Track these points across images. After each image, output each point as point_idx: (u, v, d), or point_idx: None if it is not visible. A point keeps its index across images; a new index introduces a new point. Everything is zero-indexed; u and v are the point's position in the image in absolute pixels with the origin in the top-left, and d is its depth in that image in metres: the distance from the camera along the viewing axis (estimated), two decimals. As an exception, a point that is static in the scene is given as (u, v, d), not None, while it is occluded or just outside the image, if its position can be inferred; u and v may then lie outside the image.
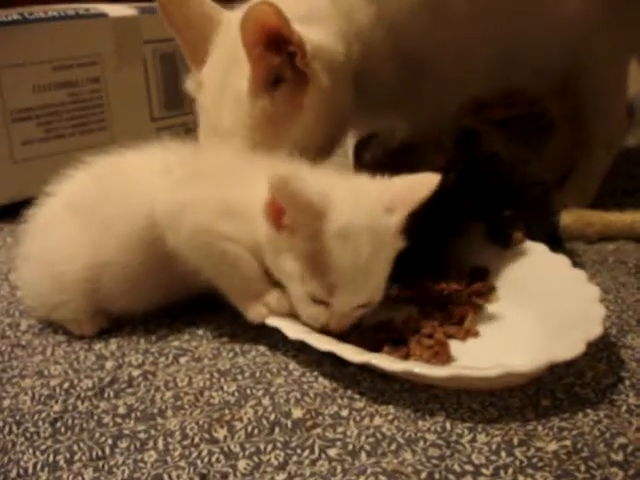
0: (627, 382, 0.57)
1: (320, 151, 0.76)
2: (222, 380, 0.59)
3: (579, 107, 0.95)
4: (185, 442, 0.52)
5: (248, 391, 0.57)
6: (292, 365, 0.60)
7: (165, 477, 0.48)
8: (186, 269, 0.62)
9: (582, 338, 0.55)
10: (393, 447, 0.50)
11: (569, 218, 0.85)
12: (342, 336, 0.60)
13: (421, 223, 0.61)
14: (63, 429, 0.54)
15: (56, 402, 0.57)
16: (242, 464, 0.49)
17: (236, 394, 0.57)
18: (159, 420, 0.54)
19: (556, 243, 0.74)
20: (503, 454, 0.49)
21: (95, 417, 0.55)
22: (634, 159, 1.13)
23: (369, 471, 0.48)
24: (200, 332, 0.66)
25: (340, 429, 0.52)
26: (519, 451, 0.49)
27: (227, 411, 0.55)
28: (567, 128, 1.04)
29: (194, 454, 0.50)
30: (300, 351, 0.61)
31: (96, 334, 0.66)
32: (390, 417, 0.53)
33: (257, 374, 0.59)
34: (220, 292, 0.63)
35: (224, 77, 0.73)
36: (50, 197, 0.67)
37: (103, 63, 1.06)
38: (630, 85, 0.97)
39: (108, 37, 1.06)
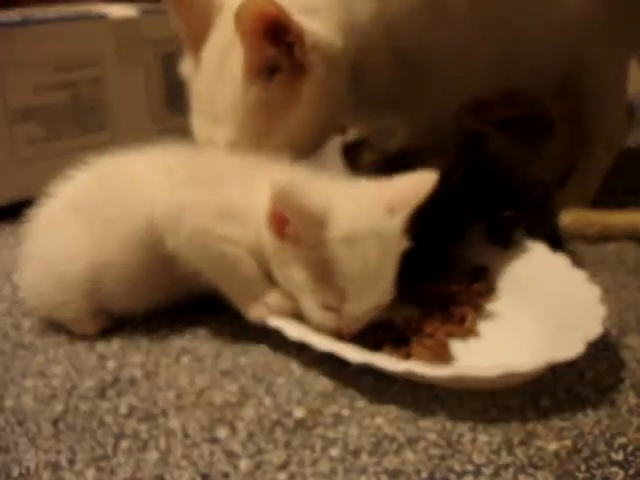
0: (627, 382, 0.57)
1: (313, 142, 0.77)
2: (223, 380, 0.59)
3: (579, 107, 0.95)
4: (187, 442, 0.52)
5: (249, 391, 0.57)
6: (293, 365, 0.61)
7: (167, 477, 0.49)
8: (186, 270, 0.62)
9: (582, 338, 0.55)
10: (394, 447, 0.50)
11: (569, 218, 0.85)
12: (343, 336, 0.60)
13: (423, 224, 0.61)
14: (65, 429, 0.54)
15: (58, 402, 0.57)
16: (243, 464, 0.49)
17: (237, 394, 0.57)
18: (161, 420, 0.54)
19: (556, 243, 0.74)
20: (504, 454, 0.49)
21: (97, 417, 0.55)
22: (634, 159, 1.13)
23: (370, 470, 0.48)
24: (202, 332, 0.66)
25: (341, 429, 0.52)
26: (520, 451, 0.50)
27: (229, 411, 0.55)
28: (567, 128, 1.05)
29: (196, 454, 0.51)
30: (301, 351, 0.61)
31: (98, 334, 0.66)
32: (391, 417, 0.54)
33: (258, 374, 0.59)
34: (221, 293, 0.63)
35: (221, 61, 0.73)
36: (52, 197, 0.67)
37: (104, 64, 1.06)
38: (630, 85, 0.97)
39: (109, 38, 1.06)
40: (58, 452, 0.51)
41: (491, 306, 0.68)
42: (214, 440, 0.52)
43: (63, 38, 1.01)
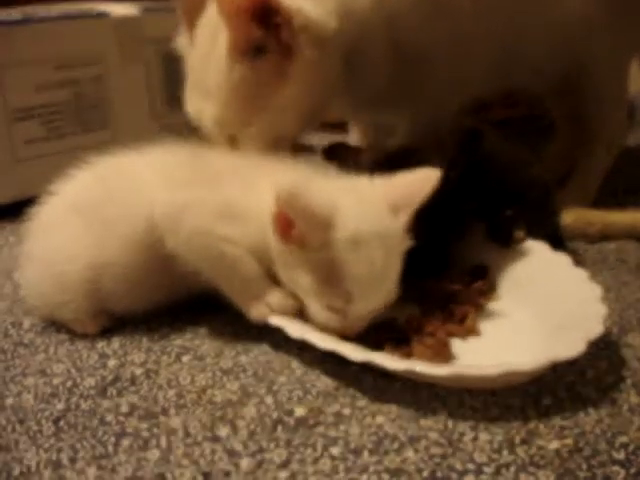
0: (628, 381, 0.57)
1: (299, 124, 0.77)
2: (225, 378, 0.59)
3: (580, 107, 0.95)
4: (188, 440, 0.52)
5: (251, 389, 0.57)
6: (294, 364, 0.61)
7: (168, 475, 0.49)
8: (186, 270, 0.62)
9: (583, 337, 0.55)
10: (395, 445, 0.50)
11: (570, 217, 0.85)
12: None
13: (424, 222, 0.61)
14: (66, 427, 0.54)
15: (59, 400, 0.57)
16: (245, 462, 0.49)
17: (239, 392, 0.57)
18: (162, 418, 0.54)
19: (557, 242, 0.74)
20: (505, 452, 0.49)
21: (98, 415, 0.55)
22: (635, 158, 1.13)
23: (371, 469, 0.48)
24: (202, 330, 0.66)
25: (342, 427, 0.52)
26: (521, 449, 0.50)
27: (230, 409, 0.55)
28: (567, 128, 1.05)
29: (197, 452, 0.51)
30: (302, 350, 0.61)
31: (98, 333, 0.66)
32: (392, 416, 0.54)
33: (260, 372, 0.59)
34: (221, 293, 0.63)
35: (212, 37, 0.73)
36: (53, 197, 0.67)
37: (105, 62, 1.06)
38: (630, 85, 0.97)
39: (110, 36, 1.06)
40: (59, 451, 0.51)
41: (492, 305, 0.68)
42: (215, 439, 0.52)
43: (64, 36, 1.01)
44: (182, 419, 0.54)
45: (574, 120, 0.99)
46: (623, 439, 0.50)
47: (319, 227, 0.57)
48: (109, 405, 0.56)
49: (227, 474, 0.49)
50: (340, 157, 0.78)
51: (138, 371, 0.60)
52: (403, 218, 0.60)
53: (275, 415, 0.54)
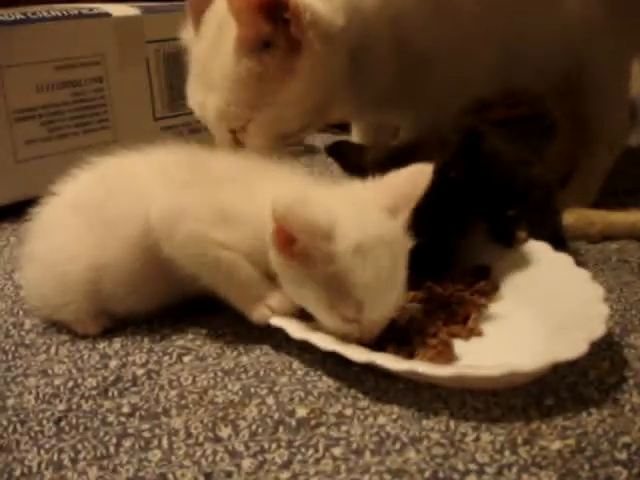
0: (631, 381, 0.57)
1: (303, 121, 0.77)
2: (226, 379, 0.59)
3: (581, 107, 0.95)
4: (189, 441, 0.52)
5: (252, 390, 0.57)
6: (296, 364, 0.61)
7: (169, 476, 0.48)
8: (185, 274, 0.62)
9: (585, 337, 0.55)
10: (397, 446, 0.50)
11: (572, 217, 0.85)
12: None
13: (426, 222, 0.61)
14: (67, 428, 0.54)
15: (60, 401, 0.57)
16: (246, 463, 0.49)
17: (240, 393, 0.57)
18: (163, 419, 0.54)
19: (559, 242, 0.73)
20: (507, 453, 0.49)
21: (99, 416, 0.55)
22: (636, 159, 1.13)
23: (373, 470, 0.48)
24: (204, 331, 0.66)
25: (344, 428, 0.52)
26: (523, 450, 0.49)
27: (231, 410, 0.55)
28: (569, 128, 1.05)
29: (198, 453, 0.50)
30: (304, 350, 0.61)
31: (100, 333, 0.66)
32: (394, 416, 0.53)
33: (261, 373, 0.59)
34: (220, 297, 0.63)
35: (220, 29, 0.74)
36: (54, 197, 0.67)
37: (106, 63, 1.06)
38: (632, 85, 0.97)
39: (111, 37, 1.06)
40: (60, 451, 0.51)
41: (494, 305, 0.68)
42: (217, 439, 0.52)
43: (65, 37, 1.01)
44: (183, 420, 0.54)
45: (575, 120, 0.99)
46: (625, 439, 0.50)
47: (322, 239, 0.56)
48: (110, 406, 0.56)
49: (229, 475, 0.48)
50: (344, 155, 0.78)
51: (139, 372, 0.60)
52: (402, 218, 0.60)
53: (277, 416, 0.54)
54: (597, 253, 0.82)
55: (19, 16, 0.98)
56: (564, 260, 0.68)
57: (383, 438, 0.51)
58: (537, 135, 1.11)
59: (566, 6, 0.87)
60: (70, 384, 0.59)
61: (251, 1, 0.67)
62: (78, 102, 1.04)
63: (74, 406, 0.56)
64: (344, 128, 1.25)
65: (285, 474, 0.48)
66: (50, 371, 0.61)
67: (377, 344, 0.59)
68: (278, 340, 0.63)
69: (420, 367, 0.54)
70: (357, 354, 0.56)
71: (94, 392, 0.58)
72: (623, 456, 0.49)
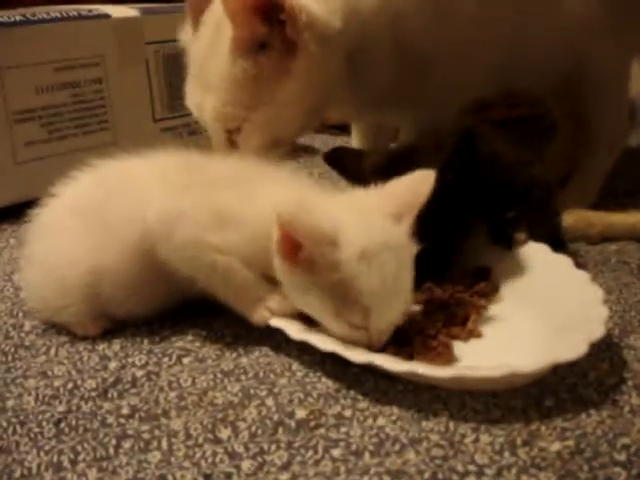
0: (630, 383, 0.57)
1: (299, 123, 0.77)
2: (226, 380, 0.59)
3: (581, 108, 0.95)
4: (189, 442, 0.52)
5: (252, 391, 0.57)
6: (295, 366, 0.61)
7: (169, 477, 0.48)
8: (183, 278, 0.62)
9: (585, 339, 0.55)
10: (396, 447, 0.50)
11: (571, 219, 0.85)
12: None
13: (427, 225, 0.61)
14: (67, 429, 0.54)
15: (60, 402, 0.57)
16: (246, 464, 0.49)
17: (240, 394, 0.57)
18: (163, 420, 0.54)
19: (558, 244, 0.74)
20: (506, 454, 0.49)
21: (99, 417, 0.55)
22: (636, 160, 1.13)
23: (372, 471, 0.48)
24: (203, 333, 0.66)
25: (343, 429, 0.52)
26: (522, 451, 0.49)
27: (231, 411, 0.55)
28: (569, 129, 1.05)
29: (198, 454, 0.50)
30: (303, 351, 0.61)
31: (99, 335, 0.66)
32: (393, 417, 0.53)
33: (260, 375, 0.59)
34: (219, 300, 0.63)
35: (218, 29, 0.74)
36: (54, 199, 0.67)
37: (105, 64, 1.06)
38: (631, 86, 0.97)
39: (110, 38, 1.06)
40: (60, 453, 0.51)
41: (494, 307, 0.68)
42: (216, 441, 0.52)
43: (64, 38, 1.01)
44: (183, 421, 0.54)
45: (576, 121, 0.99)
46: (624, 441, 0.50)
47: (327, 246, 0.56)
48: (110, 407, 0.56)
49: (228, 476, 0.48)
50: (341, 162, 0.78)
51: (139, 373, 0.60)
52: (406, 224, 0.59)
53: (276, 417, 0.54)
54: (596, 254, 0.82)
55: (18, 17, 0.98)
56: (563, 261, 0.68)
57: (382, 439, 0.51)
58: (537, 135, 1.11)
59: (566, 7, 0.87)
60: (70, 385, 0.59)
61: (246, 2, 0.67)
62: (78, 103, 1.04)
63: (74, 407, 0.56)
64: (343, 129, 1.25)
65: (284, 475, 0.48)
66: (50, 372, 0.61)
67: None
68: (277, 341, 0.63)
69: (420, 368, 0.54)
70: (356, 355, 0.56)
71: (94, 393, 0.58)
72: (622, 457, 0.49)
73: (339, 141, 0.95)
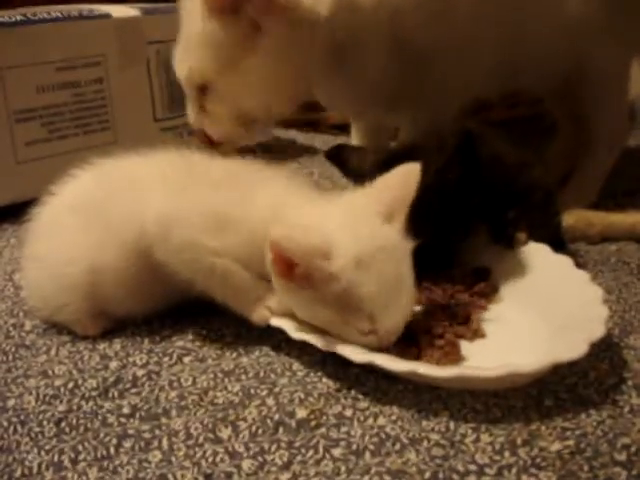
0: (630, 382, 0.57)
1: (267, 105, 0.77)
2: (226, 380, 0.59)
3: (581, 108, 0.95)
4: (189, 442, 0.52)
5: (252, 391, 0.57)
6: (296, 365, 0.61)
7: (170, 477, 0.49)
8: (181, 279, 0.62)
9: (585, 339, 0.55)
10: (397, 447, 0.50)
11: (571, 219, 0.85)
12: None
13: (426, 225, 0.61)
14: (68, 429, 0.54)
15: (60, 402, 0.57)
16: (246, 464, 0.49)
17: (240, 394, 0.57)
18: (163, 420, 0.54)
19: (559, 244, 0.74)
20: (507, 454, 0.49)
21: (99, 417, 0.55)
22: (636, 160, 1.13)
23: (373, 471, 0.48)
24: (204, 332, 0.66)
25: (344, 429, 0.52)
26: (522, 451, 0.50)
27: (231, 411, 0.55)
28: (569, 129, 1.05)
29: (198, 454, 0.51)
30: (304, 351, 0.61)
31: (100, 334, 0.66)
32: (394, 417, 0.54)
33: (261, 374, 0.59)
34: (217, 301, 0.63)
35: None
36: (54, 198, 0.67)
37: (106, 64, 1.06)
38: (631, 87, 0.97)
39: (111, 38, 1.06)
40: (61, 452, 0.51)
41: (494, 307, 0.68)
42: (217, 440, 0.52)
43: (65, 38, 1.01)
44: (184, 420, 0.54)
45: (576, 121, 0.99)
46: (625, 440, 0.50)
47: (322, 260, 0.55)
48: (111, 406, 0.56)
49: (229, 476, 0.49)
50: (343, 159, 0.78)
51: (140, 372, 0.60)
52: (398, 222, 0.59)
53: (276, 417, 0.54)
54: (596, 254, 0.82)
55: (19, 17, 0.98)
56: (563, 262, 0.68)
57: (383, 439, 0.51)
58: (537, 135, 1.11)
59: (566, 7, 0.87)
60: (70, 385, 0.59)
61: None
62: (78, 103, 1.04)
63: (74, 407, 0.56)
64: (343, 129, 1.25)
65: (285, 475, 0.48)
66: (50, 372, 0.61)
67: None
68: (278, 341, 0.63)
69: (420, 368, 0.54)
70: (357, 354, 0.56)
71: (94, 393, 0.58)
72: (622, 457, 0.49)
73: (339, 141, 0.95)
